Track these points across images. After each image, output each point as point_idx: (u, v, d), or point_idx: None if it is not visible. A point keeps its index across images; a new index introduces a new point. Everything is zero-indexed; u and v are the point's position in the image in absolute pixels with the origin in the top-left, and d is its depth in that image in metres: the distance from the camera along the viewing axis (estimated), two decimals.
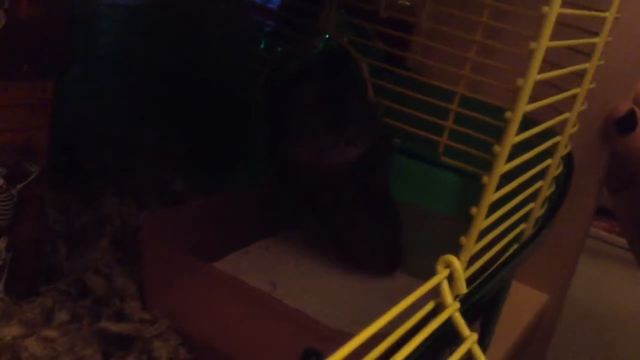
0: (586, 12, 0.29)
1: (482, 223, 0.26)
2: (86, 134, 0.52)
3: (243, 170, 0.54)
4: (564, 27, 0.28)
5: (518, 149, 0.29)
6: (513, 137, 0.24)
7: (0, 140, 0.33)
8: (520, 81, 0.23)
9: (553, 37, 0.25)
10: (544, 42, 0.23)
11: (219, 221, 0.43)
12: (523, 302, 0.54)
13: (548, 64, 0.29)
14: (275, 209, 0.47)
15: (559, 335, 0.60)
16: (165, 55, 0.57)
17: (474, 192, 0.47)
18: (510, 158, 0.27)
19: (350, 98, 0.44)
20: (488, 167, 0.44)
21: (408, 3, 0.51)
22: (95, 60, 0.56)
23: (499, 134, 0.44)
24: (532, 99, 0.27)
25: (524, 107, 0.24)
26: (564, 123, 0.34)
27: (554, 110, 0.35)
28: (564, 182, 0.37)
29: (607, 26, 0.32)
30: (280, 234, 0.49)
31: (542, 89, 0.29)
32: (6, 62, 0.33)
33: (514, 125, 0.24)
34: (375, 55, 0.49)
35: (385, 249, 0.45)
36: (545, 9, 0.23)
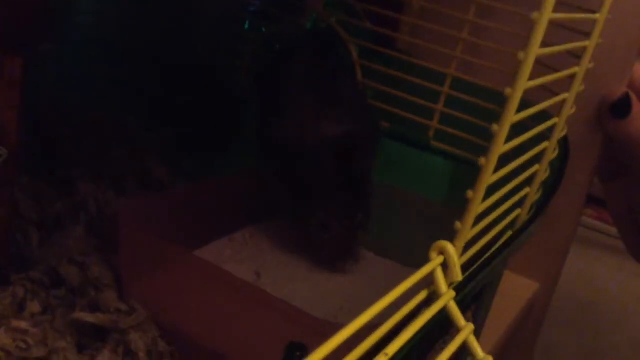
0: None
1: (478, 206, 0.24)
2: (65, 116, 0.50)
3: (228, 156, 0.52)
4: (561, 6, 0.27)
5: (513, 132, 0.28)
6: (512, 115, 0.23)
7: None
8: (521, 54, 0.22)
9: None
10: (547, 13, 0.21)
11: (201, 208, 0.42)
12: (514, 291, 0.53)
13: (545, 45, 0.27)
14: (259, 195, 0.46)
15: (548, 322, 0.59)
16: (149, 36, 0.55)
17: (465, 177, 0.46)
18: (507, 141, 0.26)
19: (338, 77, 0.43)
20: (480, 151, 0.43)
21: None
22: (76, 41, 0.53)
23: (491, 117, 0.43)
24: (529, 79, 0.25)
25: (525, 82, 0.22)
26: (560, 105, 0.33)
27: (549, 92, 0.34)
28: (559, 166, 0.36)
29: (607, 2, 0.31)
30: (264, 221, 0.47)
31: (538, 71, 0.27)
32: None
33: (514, 102, 0.22)
34: (364, 36, 0.48)
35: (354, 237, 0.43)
36: None
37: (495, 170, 0.26)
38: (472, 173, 0.40)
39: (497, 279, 0.38)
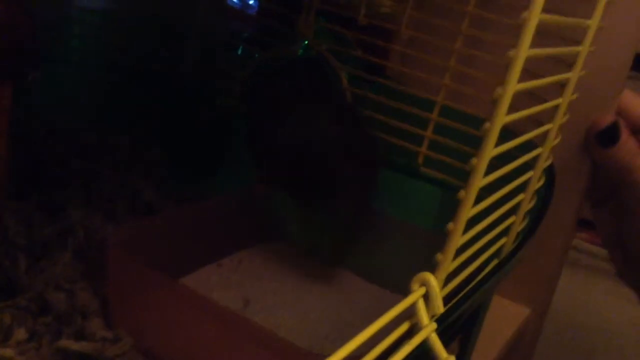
0: (569, 20, 0.28)
1: (459, 239, 0.25)
2: (55, 139, 0.51)
3: (218, 179, 0.52)
4: (545, 36, 0.27)
5: (498, 162, 0.28)
6: (491, 150, 0.23)
7: None
8: (498, 90, 0.22)
9: (534, 46, 0.24)
10: (524, 51, 0.21)
11: (191, 233, 0.42)
12: (504, 317, 0.53)
13: (529, 74, 0.28)
14: (249, 220, 0.46)
15: (539, 346, 0.59)
16: (140, 59, 0.55)
17: (454, 204, 0.46)
18: (491, 171, 0.26)
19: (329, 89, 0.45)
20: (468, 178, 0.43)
21: (388, 10, 0.50)
22: (66, 64, 0.54)
23: (480, 145, 0.43)
24: (513, 110, 0.26)
25: (503, 117, 0.22)
26: (545, 135, 0.33)
27: (534, 122, 0.34)
28: (545, 195, 0.36)
29: (590, 35, 0.31)
30: (254, 246, 0.47)
31: (522, 100, 0.28)
32: None
33: (492, 137, 0.23)
34: (354, 64, 0.48)
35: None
36: (525, 14, 0.22)
37: (479, 200, 0.27)
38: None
39: (484, 307, 0.38)
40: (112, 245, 0.35)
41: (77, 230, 0.40)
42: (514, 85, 0.22)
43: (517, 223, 0.34)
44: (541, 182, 0.36)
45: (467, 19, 0.43)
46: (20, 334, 0.34)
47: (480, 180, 0.23)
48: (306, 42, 0.50)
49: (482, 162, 0.23)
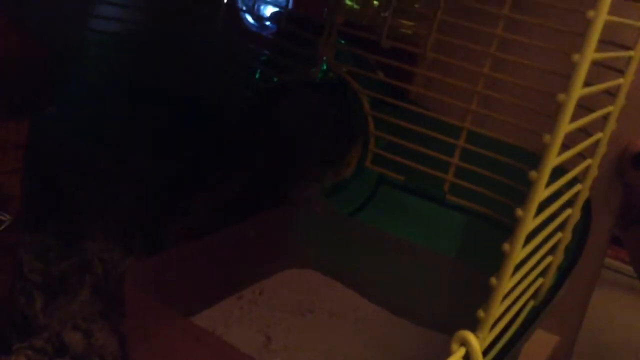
0: (627, 21, 0.26)
1: (503, 292, 0.23)
2: (70, 165, 0.49)
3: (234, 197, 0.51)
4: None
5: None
6: (553, 162, 0.21)
7: None
8: (561, 96, 0.20)
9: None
10: (589, 53, 0.20)
11: (209, 264, 0.40)
12: (533, 346, 0.51)
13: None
14: (268, 247, 0.44)
15: None
16: (157, 83, 0.54)
17: (481, 233, 0.44)
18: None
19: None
20: (496, 206, 0.41)
21: (410, 32, 0.49)
22: (82, 87, 0.53)
23: (507, 172, 0.41)
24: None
25: (566, 126, 0.21)
26: (585, 170, 0.32)
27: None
28: (582, 232, 0.35)
29: (633, 66, 0.30)
30: (276, 274, 0.45)
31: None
32: None
33: (555, 149, 0.21)
34: (377, 87, 0.47)
35: None
36: (591, 12, 0.20)
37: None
38: (488, 228, 0.38)
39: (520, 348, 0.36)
40: (129, 282, 0.34)
41: (95, 265, 0.39)
42: (579, 89, 0.20)
43: (556, 262, 0.32)
44: (578, 218, 0.34)
45: (494, 42, 0.41)
46: None
47: (527, 230, 0.22)
48: (325, 66, 0.49)
49: (530, 212, 0.21)
